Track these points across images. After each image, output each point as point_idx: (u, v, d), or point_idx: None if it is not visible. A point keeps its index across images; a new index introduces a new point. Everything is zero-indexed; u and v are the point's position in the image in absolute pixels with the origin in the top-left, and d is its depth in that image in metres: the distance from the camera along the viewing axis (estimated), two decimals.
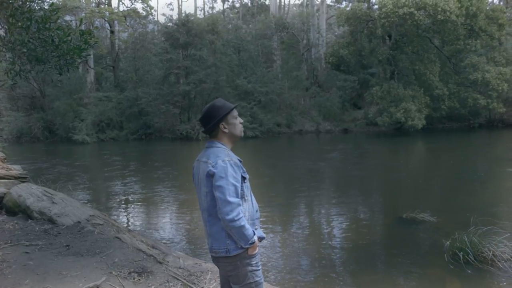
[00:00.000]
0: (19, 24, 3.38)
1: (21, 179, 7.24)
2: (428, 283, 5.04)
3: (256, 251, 2.28)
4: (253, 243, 2.22)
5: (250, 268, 2.27)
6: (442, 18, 20.77)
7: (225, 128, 2.32)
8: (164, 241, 6.60)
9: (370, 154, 16.85)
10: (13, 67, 3.82)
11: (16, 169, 7.58)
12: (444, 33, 22.64)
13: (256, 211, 2.40)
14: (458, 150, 16.82)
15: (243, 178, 2.26)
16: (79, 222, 5.53)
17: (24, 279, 3.84)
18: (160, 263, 4.38)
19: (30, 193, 6.38)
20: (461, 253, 5.42)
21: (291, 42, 30.90)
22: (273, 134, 24.42)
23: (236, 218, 2.13)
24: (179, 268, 4.39)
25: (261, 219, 7.02)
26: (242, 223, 2.15)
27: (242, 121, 2.44)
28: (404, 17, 21.28)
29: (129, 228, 6.88)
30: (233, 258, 2.24)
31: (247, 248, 2.23)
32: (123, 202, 9.82)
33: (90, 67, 27.84)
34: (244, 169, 2.33)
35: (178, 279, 4.03)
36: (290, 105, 26.66)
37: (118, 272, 4.04)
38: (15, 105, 27.14)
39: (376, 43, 24.79)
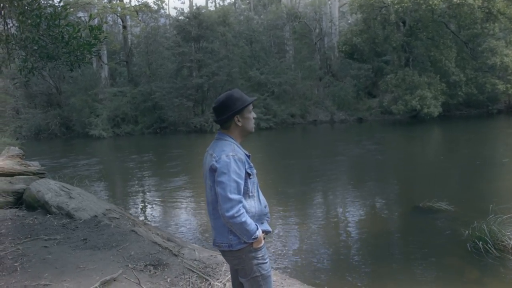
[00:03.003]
0: (29, 21, 3.41)
1: (39, 175, 7.37)
2: (446, 273, 4.97)
3: (261, 244, 2.25)
4: (256, 237, 2.18)
5: (255, 261, 2.25)
6: (458, 1, 20.21)
7: (239, 121, 2.25)
8: (179, 234, 6.66)
9: (386, 143, 16.65)
10: (26, 65, 3.87)
11: (34, 166, 7.72)
12: (461, 17, 22.04)
13: (265, 207, 2.36)
14: (476, 137, 16.47)
15: (248, 174, 2.21)
16: (96, 216, 5.61)
17: (43, 273, 3.92)
18: (176, 255, 4.41)
19: (48, 189, 6.49)
20: (480, 242, 5.32)
21: (304, 31, 30.57)
22: (287, 125, 24.32)
23: (236, 215, 2.09)
24: (195, 260, 4.42)
25: (278, 208, 7.05)
26: (243, 219, 2.11)
27: (255, 116, 2.37)
28: (418, 2, 20.79)
29: (145, 221, 6.96)
30: (237, 252, 2.22)
31: (252, 243, 2.21)
32: (139, 196, 9.94)
33: (104, 62, 28.10)
34: (251, 164, 2.28)
35: (193, 271, 4.06)
36: (304, 95, 26.46)
37: (134, 265, 4.08)
38: (32, 102, 27.61)
39: (390, 30, 24.33)
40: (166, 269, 4.06)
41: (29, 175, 7.21)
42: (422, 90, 21.88)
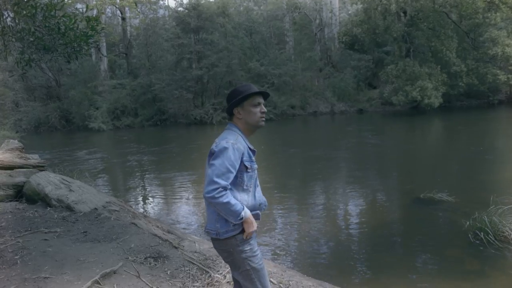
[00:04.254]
0: (25, 12, 3.35)
1: (39, 168, 7.35)
2: (446, 264, 4.97)
3: (254, 229, 2.19)
4: (243, 218, 2.12)
5: (244, 255, 2.21)
6: None
7: (239, 113, 2.24)
8: (179, 226, 6.66)
9: (386, 134, 16.61)
10: (23, 57, 3.82)
11: (34, 158, 7.71)
12: (462, 7, 21.86)
13: (260, 205, 2.32)
14: (476, 128, 16.43)
15: (246, 167, 2.18)
16: (96, 209, 5.61)
17: (43, 266, 3.92)
18: (176, 248, 4.41)
19: (48, 182, 6.48)
20: (481, 233, 5.32)
21: (304, 22, 30.36)
22: (287, 117, 24.26)
23: (216, 195, 2.05)
24: (195, 252, 4.42)
25: (279, 200, 7.04)
26: (226, 200, 2.06)
27: (264, 110, 2.30)
28: None
29: (145, 213, 6.96)
30: (223, 242, 2.20)
31: (240, 232, 2.17)
32: (139, 189, 9.94)
33: (103, 55, 27.96)
34: (253, 159, 2.26)
35: (193, 264, 4.05)
36: (304, 87, 26.36)
37: (135, 258, 4.08)
38: (32, 95, 27.53)
39: (391, 20, 24.14)
40: (166, 262, 4.06)
41: (29, 168, 7.19)
42: (422, 81, 21.79)
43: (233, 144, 2.13)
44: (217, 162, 2.08)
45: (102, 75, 27.36)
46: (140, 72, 26.93)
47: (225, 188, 2.07)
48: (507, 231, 5.27)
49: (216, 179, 2.05)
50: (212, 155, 2.14)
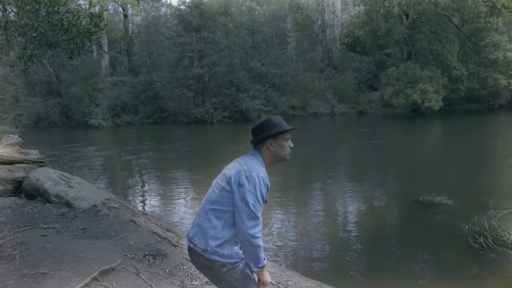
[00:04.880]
0: (28, 7, 3.35)
1: (38, 163, 7.35)
2: (445, 267, 4.97)
3: (268, 281, 2.18)
4: (263, 267, 2.11)
5: (225, 269, 2.13)
6: None
7: (271, 146, 2.21)
8: (178, 224, 6.66)
9: (386, 137, 16.62)
10: (25, 52, 3.81)
11: (33, 154, 7.70)
12: (464, 11, 21.87)
13: None
14: (476, 132, 16.44)
15: (265, 201, 2.18)
16: (95, 205, 5.60)
17: (42, 261, 3.92)
18: (175, 246, 4.40)
19: (47, 177, 6.47)
20: (481, 237, 5.32)
21: (306, 23, 30.36)
22: (287, 117, 24.24)
23: (257, 235, 2.05)
24: None
25: (277, 200, 7.03)
26: (260, 243, 2.07)
27: (292, 145, 2.30)
28: None
29: (144, 211, 6.95)
30: (207, 260, 2.13)
31: (236, 263, 2.13)
32: (138, 186, 9.93)
33: (104, 51, 27.94)
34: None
35: None
36: (305, 88, 26.36)
37: (133, 255, 4.08)
38: (32, 90, 27.51)
39: (393, 23, 24.15)
40: (165, 259, 4.06)
41: (29, 163, 7.19)
42: (423, 84, 21.80)
43: (263, 178, 2.11)
44: (251, 197, 2.04)
45: (103, 72, 27.34)
46: (141, 70, 26.92)
47: (261, 223, 2.09)
48: (506, 236, 5.27)
49: (258, 215, 2.05)
50: (241, 185, 2.07)
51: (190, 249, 2.21)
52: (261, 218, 2.07)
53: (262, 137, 2.21)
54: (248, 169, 2.09)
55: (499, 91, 23.29)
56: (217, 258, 2.10)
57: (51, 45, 3.64)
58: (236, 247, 2.16)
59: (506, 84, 21.94)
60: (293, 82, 25.55)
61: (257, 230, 2.04)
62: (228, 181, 2.10)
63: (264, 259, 2.13)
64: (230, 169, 2.17)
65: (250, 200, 2.03)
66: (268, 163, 2.23)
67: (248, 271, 2.17)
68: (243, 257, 2.15)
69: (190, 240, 2.17)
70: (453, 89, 23.12)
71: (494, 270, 4.82)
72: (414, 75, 22.40)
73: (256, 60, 25.57)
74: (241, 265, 2.15)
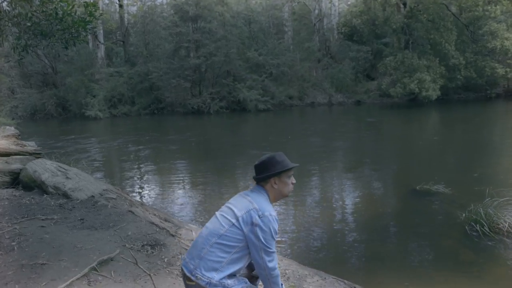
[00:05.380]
0: None
1: (35, 155, 7.33)
2: (441, 255, 5.02)
3: None
4: None
5: None
6: None
7: (275, 183, 2.26)
8: (176, 215, 6.68)
9: (384, 126, 16.63)
10: (19, 42, 3.77)
11: (30, 146, 7.67)
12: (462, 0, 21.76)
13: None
14: (473, 121, 16.47)
15: None
16: (92, 196, 5.60)
17: (40, 252, 3.92)
18: (173, 236, 4.42)
19: (44, 169, 6.46)
20: (477, 225, 5.37)
21: (303, 12, 30.14)
22: (285, 107, 24.22)
23: (275, 267, 2.18)
24: (192, 240, 4.43)
25: None
26: (278, 273, 2.22)
27: (294, 181, 2.36)
28: None
29: (142, 202, 6.96)
30: None
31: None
32: (136, 177, 9.93)
33: (100, 42, 27.70)
34: None
35: None
36: (302, 77, 26.26)
37: (132, 245, 4.09)
38: (28, 82, 27.30)
39: (390, 12, 24.02)
40: (163, 249, 4.07)
41: (25, 155, 7.17)
42: (421, 73, 21.76)
43: (275, 216, 2.17)
44: (268, 236, 2.11)
45: (99, 63, 27.13)
46: (138, 60, 26.73)
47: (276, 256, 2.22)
48: (502, 223, 5.32)
49: (274, 249, 2.16)
50: (255, 225, 2.11)
51: (188, 279, 2.17)
52: (275, 251, 2.18)
53: (266, 175, 2.24)
54: (260, 208, 2.14)
55: (497, 80, 23.27)
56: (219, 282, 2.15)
57: (46, 35, 3.59)
58: (239, 281, 2.20)
59: (504, 73, 21.92)
60: (290, 72, 25.44)
61: (275, 263, 2.17)
62: (239, 219, 2.13)
63: (282, 285, 2.27)
64: (240, 207, 2.18)
65: (267, 238, 2.11)
66: (272, 200, 2.28)
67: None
68: (246, 284, 2.22)
69: (190, 272, 2.14)
70: (451, 78, 23.09)
71: (490, 257, 4.87)
72: (411, 64, 22.35)
73: (253, 50, 25.42)
74: (242, 283, 2.21)
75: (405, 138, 13.78)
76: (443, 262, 4.84)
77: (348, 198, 7.53)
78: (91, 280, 3.41)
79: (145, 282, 3.39)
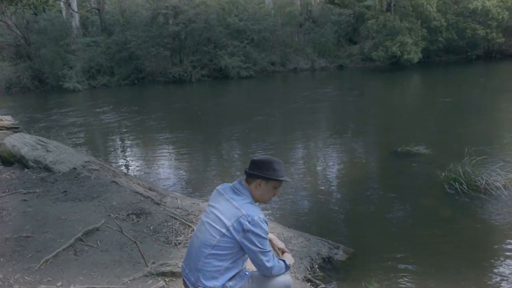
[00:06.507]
0: None
1: (13, 129, 7.15)
2: (421, 213, 5.18)
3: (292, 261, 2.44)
4: (289, 267, 2.34)
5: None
6: None
7: (259, 185, 2.24)
8: (160, 184, 6.67)
9: (366, 90, 16.68)
10: None
11: (7, 120, 7.46)
12: None
13: None
14: (454, 83, 16.65)
15: None
16: (75, 168, 5.54)
17: (24, 225, 3.90)
18: (158, 204, 4.43)
19: (23, 143, 6.34)
20: (456, 183, 5.52)
21: None
22: (267, 74, 23.97)
23: (275, 264, 2.23)
24: (177, 208, 4.46)
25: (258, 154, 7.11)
26: (280, 266, 2.27)
27: (278, 194, 2.38)
28: None
29: (126, 172, 6.92)
30: None
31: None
32: (119, 148, 9.84)
33: (73, 10, 26.55)
34: None
35: (176, 219, 4.10)
36: (284, 43, 25.87)
37: (117, 215, 4.09)
38: (0, 55, 26.24)
39: None
40: (149, 218, 4.09)
41: (2, 129, 6.97)
42: (402, 36, 21.68)
43: (263, 219, 2.18)
44: (260, 238, 2.12)
45: (74, 33, 26.10)
46: (114, 29, 25.81)
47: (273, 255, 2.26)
48: (479, 181, 5.49)
49: (269, 249, 2.19)
50: (246, 231, 2.11)
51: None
52: (271, 249, 2.22)
53: (257, 174, 2.22)
54: (248, 213, 2.12)
55: (477, 41, 23.31)
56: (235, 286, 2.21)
57: (12, 1, 3.40)
58: (241, 277, 2.25)
59: (484, 34, 21.97)
60: (272, 38, 24.99)
61: (273, 261, 2.21)
62: (229, 229, 2.12)
63: (284, 262, 2.33)
64: (228, 215, 2.15)
65: (260, 241, 2.13)
66: (255, 201, 2.27)
67: (254, 274, 2.31)
68: (247, 275, 2.28)
69: (193, 285, 2.20)
70: (432, 41, 23.08)
71: (467, 213, 5.06)
72: (393, 27, 22.20)
73: (233, 16, 24.78)
74: (244, 278, 2.26)
75: (387, 101, 13.88)
76: (423, 220, 5.00)
77: (331, 162, 7.63)
78: (77, 250, 3.43)
79: (132, 250, 3.41)
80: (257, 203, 2.29)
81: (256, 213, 2.15)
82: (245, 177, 2.29)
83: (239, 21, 24.24)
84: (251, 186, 2.25)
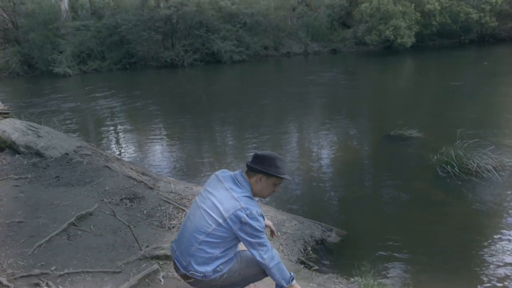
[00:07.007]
0: None
1: (3, 114, 7.04)
2: (413, 196, 5.23)
3: None
4: (293, 279, 2.25)
5: (235, 274, 2.26)
6: None
7: (260, 180, 2.23)
8: (154, 168, 6.65)
9: (359, 74, 16.65)
10: None
11: None
12: None
13: None
14: (447, 67, 16.66)
15: None
16: (67, 153, 5.49)
17: (16, 211, 3.87)
18: (151, 188, 4.42)
19: (14, 128, 6.27)
20: (448, 166, 5.57)
21: None
22: (260, 58, 23.79)
23: (273, 255, 2.20)
24: (171, 192, 4.45)
25: (253, 140, 7.10)
26: (278, 259, 2.22)
27: (277, 190, 2.36)
28: None
29: (119, 157, 6.88)
30: (209, 281, 2.21)
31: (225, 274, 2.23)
32: (111, 134, 9.76)
33: None
34: None
35: (169, 203, 4.09)
36: (277, 27, 25.62)
37: (110, 199, 4.08)
38: None
39: None
40: (142, 202, 4.08)
41: None
42: (396, 20, 21.56)
43: (261, 213, 2.17)
44: (257, 230, 2.13)
45: (64, 16, 25.60)
46: (105, 13, 25.36)
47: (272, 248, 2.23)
48: (471, 164, 5.54)
49: (266, 240, 2.17)
50: (244, 223, 2.10)
51: (186, 277, 2.26)
52: (268, 241, 2.20)
53: (259, 169, 2.21)
54: (247, 207, 2.12)
55: (470, 25, 23.25)
56: (217, 275, 2.20)
57: None
58: (231, 260, 2.25)
59: (477, 18, 21.91)
60: (264, 21, 24.72)
61: (271, 252, 2.19)
62: (226, 220, 2.11)
63: (290, 274, 2.26)
64: (226, 206, 2.14)
65: (257, 234, 2.13)
66: (253, 195, 2.26)
67: (242, 253, 2.31)
68: (235, 256, 2.27)
69: (184, 268, 2.21)
70: (426, 25, 22.98)
71: (458, 196, 5.12)
72: (387, 11, 22.05)
73: None
74: (234, 259, 2.26)
75: (380, 85, 13.87)
76: (415, 203, 5.06)
77: (325, 146, 7.65)
78: (70, 235, 3.42)
79: (125, 234, 3.41)
80: (256, 198, 2.29)
81: (255, 207, 2.16)
82: (246, 169, 2.29)
83: (231, 4, 23.93)
84: (252, 179, 2.25)
